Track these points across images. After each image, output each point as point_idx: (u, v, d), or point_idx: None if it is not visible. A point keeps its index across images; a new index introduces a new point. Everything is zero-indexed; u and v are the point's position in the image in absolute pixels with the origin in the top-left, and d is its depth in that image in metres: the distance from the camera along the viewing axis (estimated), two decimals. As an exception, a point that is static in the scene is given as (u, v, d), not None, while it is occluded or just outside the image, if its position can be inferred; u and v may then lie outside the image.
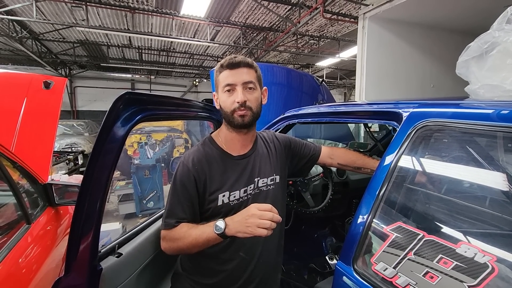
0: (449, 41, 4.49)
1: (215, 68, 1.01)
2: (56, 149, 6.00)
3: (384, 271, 0.74)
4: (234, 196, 0.98)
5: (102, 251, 0.99)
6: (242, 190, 1.00)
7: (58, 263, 1.52)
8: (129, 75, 12.63)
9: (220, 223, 0.83)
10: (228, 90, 0.95)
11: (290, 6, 5.65)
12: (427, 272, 0.66)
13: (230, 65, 0.94)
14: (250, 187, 1.02)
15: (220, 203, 0.96)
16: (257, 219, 0.79)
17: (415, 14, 3.95)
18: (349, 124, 3.50)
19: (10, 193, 1.37)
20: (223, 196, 0.97)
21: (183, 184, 0.94)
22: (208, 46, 8.38)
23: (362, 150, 2.32)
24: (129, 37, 7.75)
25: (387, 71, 4.25)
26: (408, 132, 0.87)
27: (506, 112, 0.71)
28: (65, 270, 0.82)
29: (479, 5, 3.54)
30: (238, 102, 0.93)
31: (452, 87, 4.24)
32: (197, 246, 0.87)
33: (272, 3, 5.48)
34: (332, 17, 5.72)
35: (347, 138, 3.23)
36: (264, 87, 1.05)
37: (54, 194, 1.67)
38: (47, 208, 1.64)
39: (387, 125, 2.09)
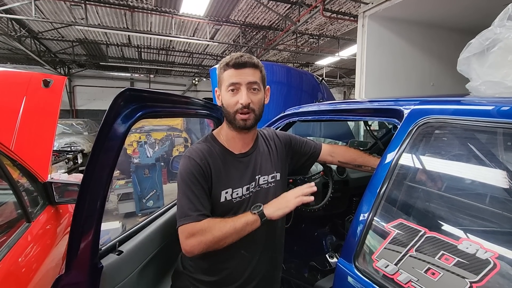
0: (448, 39, 4.49)
1: (219, 64, 1.00)
2: (55, 148, 5.98)
3: (385, 268, 0.74)
4: (237, 194, 0.98)
5: (102, 248, 0.98)
6: (245, 188, 1.00)
7: (58, 262, 1.52)
8: (128, 74, 12.59)
9: (257, 205, 0.91)
10: (232, 90, 0.94)
11: (289, 5, 5.64)
12: (428, 269, 0.66)
13: (236, 65, 0.93)
14: (252, 185, 1.02)
15: (222, 200, 0.96)
16: (298, 192, 0.91)
17: (414, 12, 3.94)
18: (349, 123, 3.50)
19: (10, 191, 1.36)
20: (226, 193, 0.96)
21: (194, 177, 0.92)
22: (208, 44, 8.35)
23: (362, 148, 2.32)
24: (128, 35, 7.73)
25: (386, 70, 4.25)
26: (409, 129, 0.87)
27: (507, 108, 0.70)
28: (66, 268, 0.82)
29: (478, 3, 3.54)
30: (241, 104, 0.92)
31: (452, 85, 4.24)
32: (234, 233, 0.87)
33: (271, 1, 5.47)
34: (332, 15, 5.70)
35: (347, 137, 3.23)
36: (267, 86, 1.04)
37: (54, 193, 1.67)
38: (47, 206, 1.64)
39: (386, 123, 2.09)
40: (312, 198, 0.91)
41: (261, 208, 0.90)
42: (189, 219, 0.88)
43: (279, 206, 0.90)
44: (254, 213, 0.89)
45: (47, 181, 1.66)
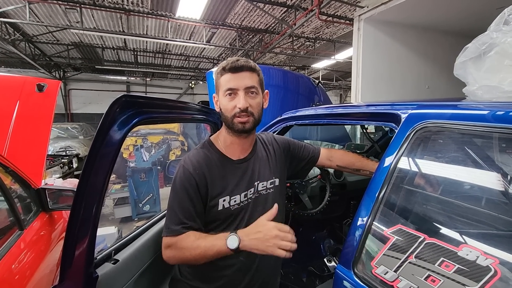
0: (443, 42, 4.54)
1: (215, 69, 0.99)
2: (50, 153, 5.91)
3: (385, 274, 0.73)
4: (235, 201, 0.97)
5: (98, 257, 0.96)
6: (243, 195, 0.98)
7: (52, 269, 1.49)
8: (124, 78, 12.53)
9: (233, 238, 0.81)
10: (230, 94, 0.93)
11: (285, 8, 5.66)
12: (428, 276, 0.65)
13: (233, 69, 0.92)
14: (250, 191, 1.01)
15: (220, 207, 0.94)
16: (280, 240, 0.78)
17: (409, 16, 3.99)
18: (345, 126, 3.51)
19: (2, 198, 1.34)
20: (224, 200, 0.95)
21: (185, 188, 0.91)
22: (204, 48, 8.35)
23: (359, 151, 2.33)
24: (124, 39, 7.70)
25: (382, 72, 4.29)
26: (407, 134, 0.87)
27: (504, 113, 0.70)
28: (60, 278, 0.79)
29: (472, 7, 3.59)
30: (239, 108, 0.91)
31: (447, 88, 4.29)
32: (205, 258, 0.84)
33: (267, 5, 5.48)
34: (328, 19, 5.73)
35: (344, 139, 3.23)
36: (266, 90, 1.03)
37: (48, 199, 1.64)
38: (40, 213, 1.61)
39: (383, 126, 2.10)
40: (290, 255, 0.78)
41: (238, 245, 0.80)
42: (169, 232, 0.90)
43: (257, 247, 0.80)
44: (228, 248, 0.81)
45: (41, 187, 1.63)
